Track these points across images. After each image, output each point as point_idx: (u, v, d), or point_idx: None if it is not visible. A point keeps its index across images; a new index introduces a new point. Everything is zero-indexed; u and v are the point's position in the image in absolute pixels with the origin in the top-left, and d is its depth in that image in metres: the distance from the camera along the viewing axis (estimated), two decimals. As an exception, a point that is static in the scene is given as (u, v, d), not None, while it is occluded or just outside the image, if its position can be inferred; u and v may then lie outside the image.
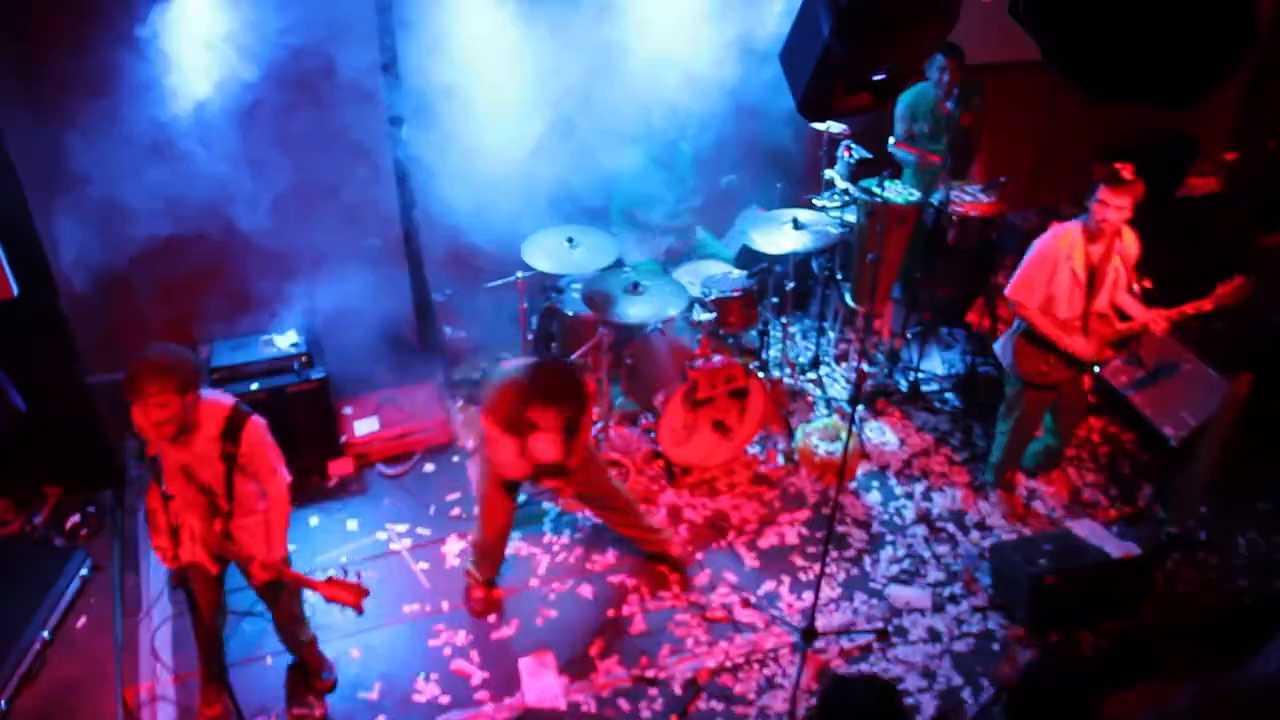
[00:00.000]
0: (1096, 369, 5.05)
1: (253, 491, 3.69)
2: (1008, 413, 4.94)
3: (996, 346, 4.92)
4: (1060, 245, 4.41)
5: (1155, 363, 5.64)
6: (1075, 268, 4.41)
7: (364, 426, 5.53)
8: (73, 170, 4.69)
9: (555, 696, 4.22)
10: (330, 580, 3.49)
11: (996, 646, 4.47)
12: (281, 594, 3.91)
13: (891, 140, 5.93)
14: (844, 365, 6.33)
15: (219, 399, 3.58)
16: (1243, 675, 3.09)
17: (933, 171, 5.83)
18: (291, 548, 4.83)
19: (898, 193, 5.69)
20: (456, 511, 5.21)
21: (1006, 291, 4.57)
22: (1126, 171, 4.23)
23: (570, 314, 5.46)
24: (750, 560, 4.92)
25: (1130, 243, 4.48)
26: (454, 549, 4.98)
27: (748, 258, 6.05)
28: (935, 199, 5.76)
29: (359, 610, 3.47)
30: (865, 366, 6.19)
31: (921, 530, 5.11)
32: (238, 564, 3.76)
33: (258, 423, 3.61)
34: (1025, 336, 4.62)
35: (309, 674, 4.24)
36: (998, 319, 6.18)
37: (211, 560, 3.68)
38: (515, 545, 4.95)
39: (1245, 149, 7.11)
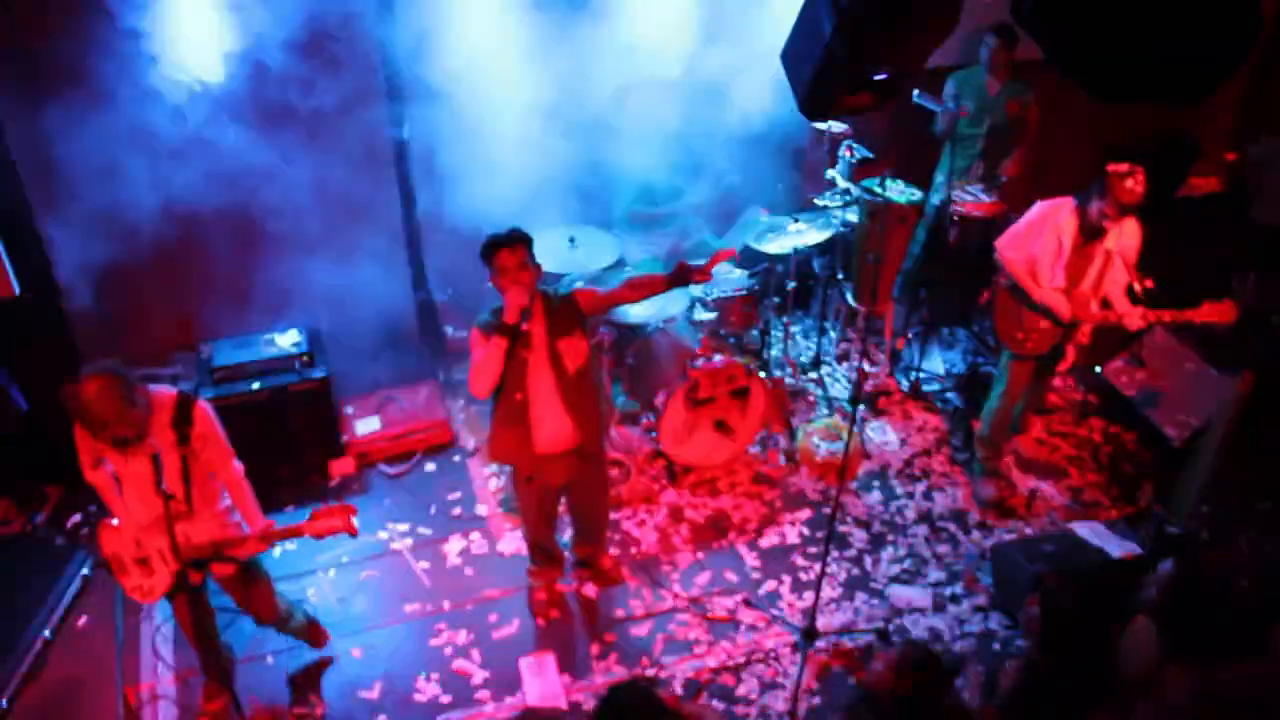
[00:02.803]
0: (1097, 369, 5.05)
1: (213, 489, 3.67)
2: (996, 381, 5.00)
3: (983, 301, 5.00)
4: (1058, 214, 4.49)
5: (1156, 362, 5.64)
6: (1063, 238, 4.47)
7: (365, 426, 5.53)
8: (73, 168, 4.70)
9: (556, 696, 4.23)
10: (314, 516, 3.49)
11: (997, 646, 4.47)
12: (251, 588, 3.89)
13: (916, 92, 5.88)
14: (845, 365, 6.33)
15: (163, 390, 3.57)
16: (1239, 669, 3.09)
17: (967, 141, 5.81)
18: (291, 547, 4.88)
19: (899, 192, 5.69)
20: (457, 511, 5.21)
21: (996, 243, 4.68)
22: (1133, 178, 4.26)
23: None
24: (751, 560, 4.93)
25: (1132, 234, 4.50)
26: (455, 548, 4.98)
27: (749, 257, 6.05)
28: (936, 199, 5.76)
29: (353, 532, 3.47)
30: (866, 366, 6.19)
31: (923, 530, 5.11)
32: (214, 560, 3.71)
33: (205, 406, 3.60)
34: (1008, 292, 4.71)
35: (311, 641, 4.29)
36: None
37: (190, 570, 3.62)
38: (516, 544, 4.96)
39: (1245, 149, 7.10)
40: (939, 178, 5.98)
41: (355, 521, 3.49)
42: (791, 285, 5.76)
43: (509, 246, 3.80)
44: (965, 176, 5.85)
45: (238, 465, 3.72)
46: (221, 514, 3.73)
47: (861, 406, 5.85)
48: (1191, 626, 3.22)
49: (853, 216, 5.87)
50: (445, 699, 4.23)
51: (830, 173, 5.97)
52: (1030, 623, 3.76)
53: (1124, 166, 4.26)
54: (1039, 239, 4.52)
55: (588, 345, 4.07)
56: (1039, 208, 4.57)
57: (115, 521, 3.63)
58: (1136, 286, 4.61)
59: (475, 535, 5.05)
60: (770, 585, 4.78)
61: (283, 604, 4.09)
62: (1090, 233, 4.46)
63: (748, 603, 4.67)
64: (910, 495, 5.33)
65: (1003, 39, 5.65)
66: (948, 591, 4.74)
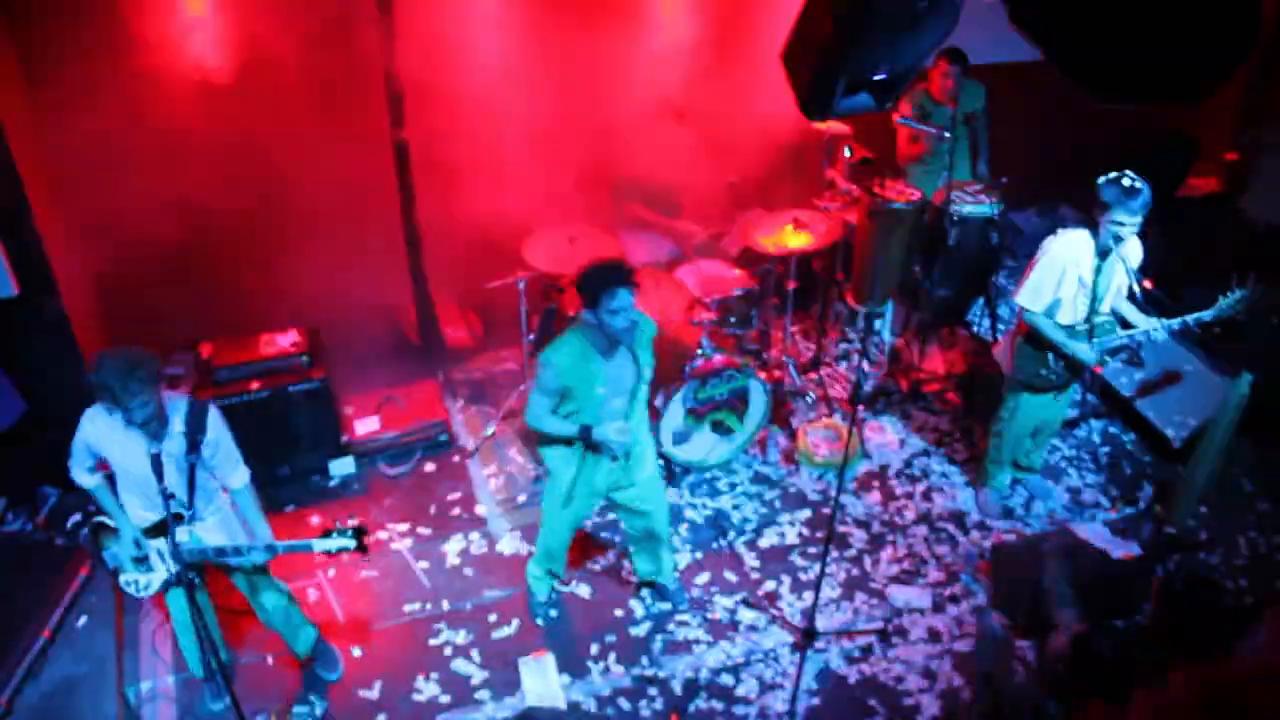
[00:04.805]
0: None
1: (213, 488, 3.71)
2: (1006, 416, 4.92)
3: (997, 354, 4.91)
4: (1069, 252, 4.36)
5: (1155, 363, 5.65)
6: (1083, 274, 4.39)
7: (365, 425, 5.53)
8: (73, 166, 4.70)
9: (555, 696, 4.23)
10: (324, 531, 3.51)
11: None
12: (262, 588, 3.91)
13: (897, 118, 5.89)
14: (844, 365, 6.33)
15: (174, 393, 3.58)
16: (1240, 666, 3.09)
17: (939, 155, 5.80)
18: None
19: (898, 193, 5.69)
20: (457, 511, 5.21)
21: (1014, 296, 4.53)
22: (1130, 180, 4.21)
23: (572, 314, 5.46)
24: (751, 560, 4.93)
25: (1134, 248, 4.46)
26: (455, 548, 4.98)
27: (749, 257, 6.04)
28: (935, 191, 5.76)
29: (364, 551, 3.48)
30: (866, 366, 6.19)
31: (922, 530, 5.11)
32: (217, 566, 3.76)
33: (216, 412, 3.61)
34: (1027, 339, 4.61)
35: (314, 666, 4.24)
36: (997, 319, 6.19)
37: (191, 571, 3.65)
38: (516, 544, 4.96)
39: (1245, 149, 7.11)
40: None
41: (365, 540, 3.47)
42: (791, 285, 5.76)
43: (629, 286, 3.62)
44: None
45: (244, 473, 3.73)
46: (227, 519, 3.74)
47: (861, 407, 5.86)
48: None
49: (852, 217, 5.87)
50: (445, 699, 4.23)
51: (830, 173, 5.97)
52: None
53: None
54: (1059, 282, 4.37)
55: None
56: (1049, 250, 4.38)
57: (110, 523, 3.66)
58: (1136, 288, 4.58)
59: (475, 535, 5.05)
60: (769, 585, 4.78)
61: (290, 615, 4.07)
62: (1104, 255, 4.39)
63: (747, 603, 4.68)
64: (910, 495, 5.34)
65: (960, 64, 5.65)
66: (947, 592, 4.74)
